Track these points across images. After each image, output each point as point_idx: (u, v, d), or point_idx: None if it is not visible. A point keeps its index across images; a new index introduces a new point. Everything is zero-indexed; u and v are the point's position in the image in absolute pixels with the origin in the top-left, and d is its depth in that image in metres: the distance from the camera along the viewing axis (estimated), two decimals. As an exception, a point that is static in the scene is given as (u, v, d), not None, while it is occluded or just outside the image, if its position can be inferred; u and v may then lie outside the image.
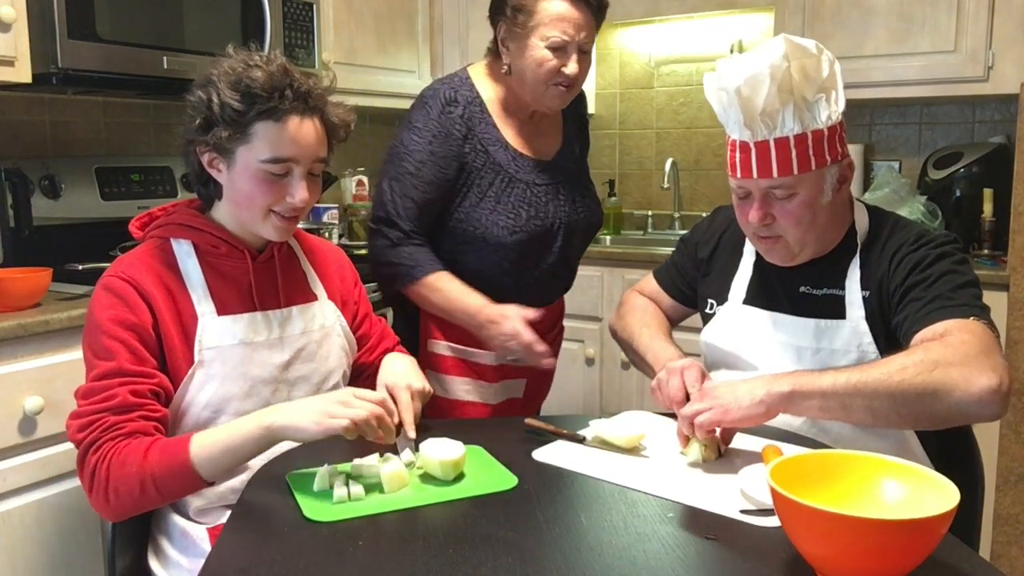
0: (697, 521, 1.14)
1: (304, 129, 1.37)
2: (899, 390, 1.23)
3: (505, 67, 1.80)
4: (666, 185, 3.50)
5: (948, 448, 1.49)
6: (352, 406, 1.25)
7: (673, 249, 1.84)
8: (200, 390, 1.37)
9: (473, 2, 3.42)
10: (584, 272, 2.26)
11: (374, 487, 1.23)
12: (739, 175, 1.42)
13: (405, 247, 1.79)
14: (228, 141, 1.35)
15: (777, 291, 1.54)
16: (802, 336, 1.49)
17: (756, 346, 1.54)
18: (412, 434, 1.38)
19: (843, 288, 1.47)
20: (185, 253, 1.42)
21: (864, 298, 1.45)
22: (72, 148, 2.55)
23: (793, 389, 1.27)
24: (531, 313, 1.72)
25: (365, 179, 3.47)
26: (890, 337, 1.43)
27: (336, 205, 3.26)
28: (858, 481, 1.06)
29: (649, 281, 1.84)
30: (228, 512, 1.28)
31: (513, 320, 1.71)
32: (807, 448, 1.30)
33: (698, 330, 1.66)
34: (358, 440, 1.27)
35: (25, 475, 1.80)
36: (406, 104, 3.41)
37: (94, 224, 2.42)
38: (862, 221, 1.51)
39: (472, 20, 3.44)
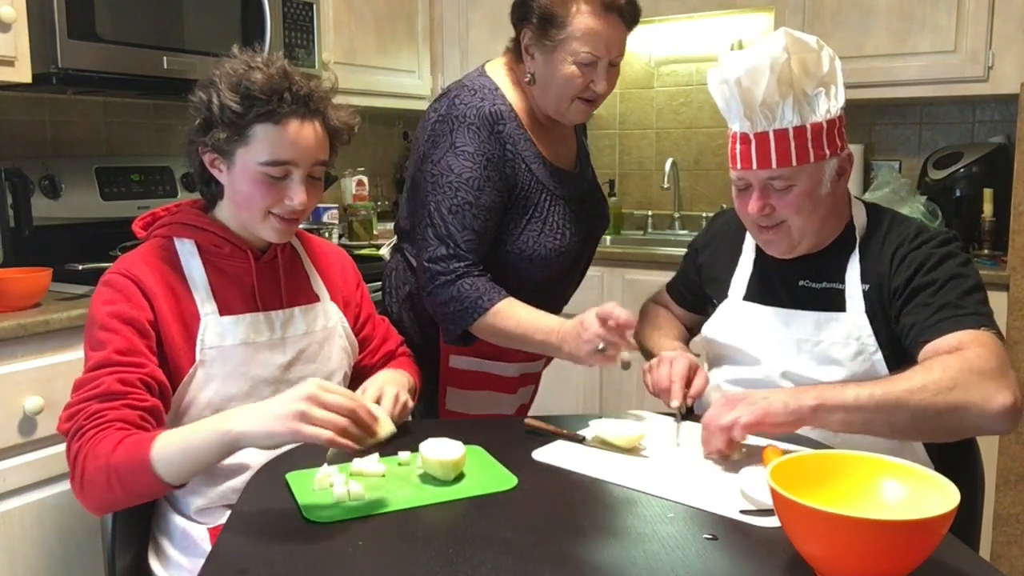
0: (697, 521, 1.14)
1: (303, 132, 1.36)
2: (919, 408, 1.25)
3: (528, 76, 1.69)
4: (666, 185, 3.50)
5: (948, 448, 1.49)
6: (325, 404, 1.13)
7: (674, 252, 1.85)
8: (201, 389, 1.37)
9: (473, 2, 3.42)
10: (584, 272, 2.26)
11: (374, 487, 1.23)
12: (739, 166, 1.44)
13: (467, 280, 1.63)
14: (227, 143, 1.35)
15: (777, 286, 1.55)
16: (802, 329, 1.50)
17: (756, 340, 1.55)
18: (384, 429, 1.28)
19: (843, 282, 1.49)
20: (188, 252, 1.42)
21: (864, 292, 1.47)
22: (72, 148, 2.55)
23: (819, 403, 1.28)
24: (607, 306, 1.49)
25: (365, 179, 3.47)
26: (890, 331, 1.44)
27: (336, 205, 3.26)
28: (858, 481, 1.06)
29: (661, 292, 1.89)
30: (229, 512, 1.28)
31: (587, 318, 1.51)
32: (807, 448, 1.30)
33: None
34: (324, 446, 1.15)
35: (25, 475, 1.80)
36: (406, 104, 3.48)
37: (94, 224, 2.42)
38: (860, 216, 1.53)
39: (472, 20, 3.45)
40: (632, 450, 1.38)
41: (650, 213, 3.71)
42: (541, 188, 1.72)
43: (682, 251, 1.87)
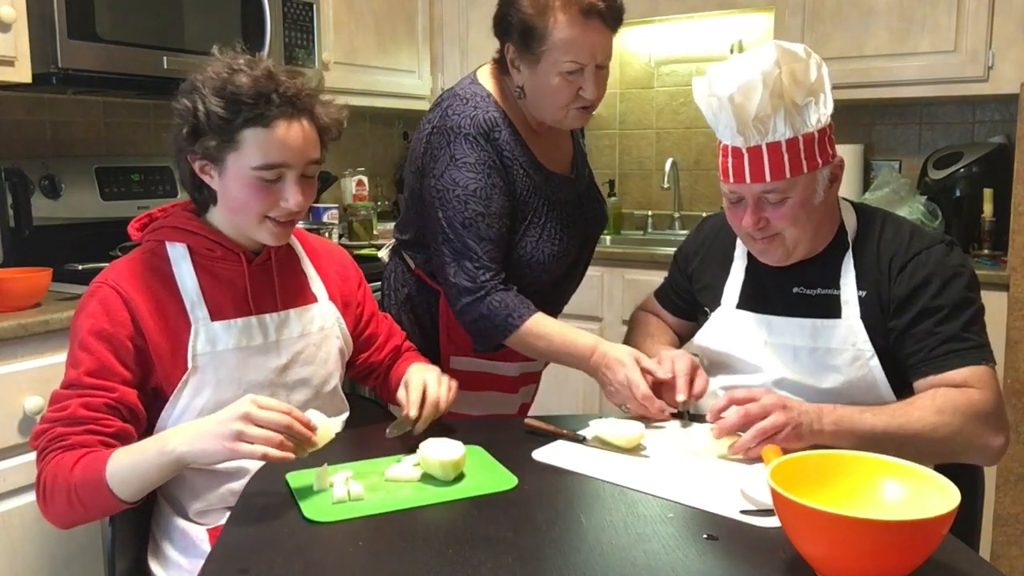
0: (697, 521, 1.14)
1: (293, 133, 1.34)
2: (926, 442, 1.34)
3: (517, 90, 1.68)
4: (666, 185, 3.50)
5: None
6: (258, 421, 1.17)
7: (674, 252, 1.84)
8: (195, 396, 1.36)
9: (473, 2, 3.42)
10: (584, 272, 2.26)
11: (374, 487, 1.23)
12: (732, 180, 1.42)
13: (495, 295, 1.63)
14: (217, 149, 1.33)
15: (770, 293, 1.54)
16: (798, 336, 1.49)
17: (751, 348, 1.54)
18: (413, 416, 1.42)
19: (838, 288, 1.48)
20: (180, 256, 1.40)
21: (860, 298, 1.46)
22: (72, 148, 2.56)
23: (835, 430, 1.34)
24: (647, 361, 1.53)
25: (365, 179, 3.47)
26: (887, 337, 1.44)
27: (336, 205, 3.26)
28: (858, 481, 1.06)
29: (650, 300, 1.86)
30: (228, 513, 1.28)
31: (628, 368, 1.52)
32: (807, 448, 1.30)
33: None
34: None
35: (25, 475, 1.79)
36: (406, 104, 3.48)
37: (94, 224, 2.42)
38: (850, 219, 1.52)
39: (472, 20, 3.45)
40: (632, 450, 1.38)
41: (650, 213, 3.71)
42: (538, 194, 1.72)
43: (683, 251, 1.86)
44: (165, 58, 2.26)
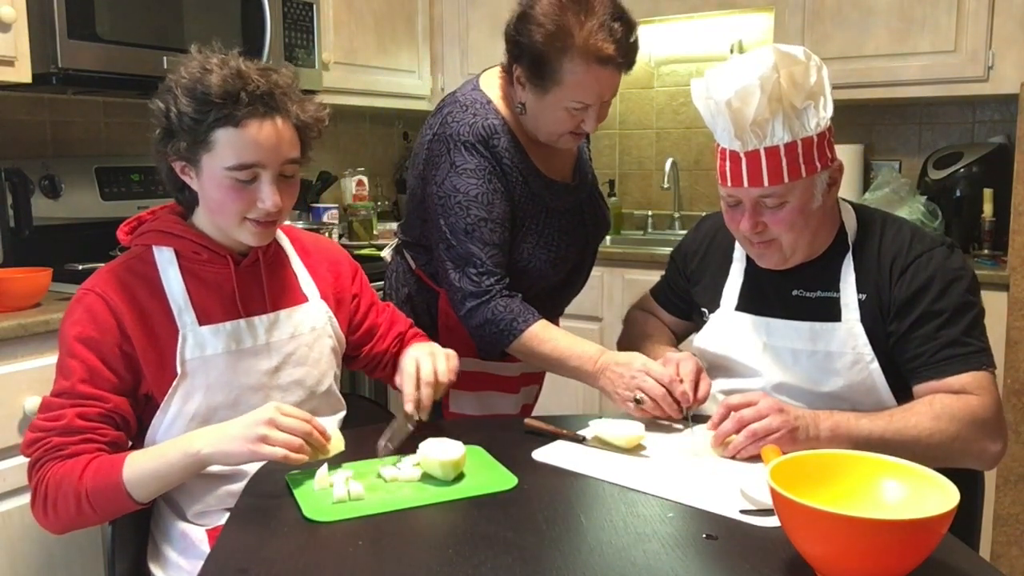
0: (697, 521, 1.14)
1: (265, 132, 1.31)
2: (923, 448, 1.32)
3: (519, 106, 1.67)
4: (666, 185, 3.50)
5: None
6: (281, 427, 1.22)
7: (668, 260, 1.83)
8: (186, 402, 1.35)
9: (473, 2, 3.42)
10: (584, 272, 2.26)
11: (374, 487, 1.23)
12: (729, 184, 1.41)
13: (499, 301, 1.64)
14: (190, 150, 1.31)
15: (769, 296, 1.53)
16: (797, 339, 1.48)
17: (750, 351, 1.53)
18: (412, 412, 1.43)
19: (837, 290, 1.47)
20: (167, 261, 1.39)
21: (860, 301, 1.45)
22: (72, 148, 2.56)
23: (831, 436, 1.34)
24: (654, 367, 1.50)
25: (365, 179, 3.47)
26: (887, 340, 1.43)
27: (336, 205, 3.26)
28: (858, 481, 1.06)
29: (647, 299, 1.85)
30: (227, 514, 1.28)
31: (636, 373, 1.51)
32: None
33: None
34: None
35: (25, 475, 1.79)
36: (406, 104, 3.48)
37: (94, 224, 2.42)
38: (850, 221, 1.51)
39: (472, 20, 3.44)
40: (632, 450, 1.38)
41: (650, 213, 3.71)
42: (535, 201, 1.72)
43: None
44: (165, 58, 2.26)
